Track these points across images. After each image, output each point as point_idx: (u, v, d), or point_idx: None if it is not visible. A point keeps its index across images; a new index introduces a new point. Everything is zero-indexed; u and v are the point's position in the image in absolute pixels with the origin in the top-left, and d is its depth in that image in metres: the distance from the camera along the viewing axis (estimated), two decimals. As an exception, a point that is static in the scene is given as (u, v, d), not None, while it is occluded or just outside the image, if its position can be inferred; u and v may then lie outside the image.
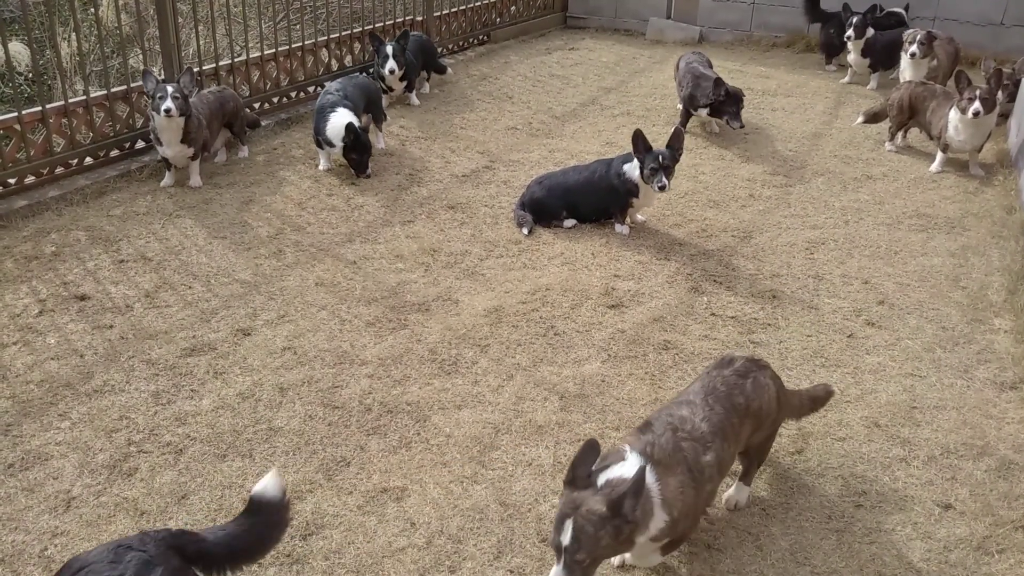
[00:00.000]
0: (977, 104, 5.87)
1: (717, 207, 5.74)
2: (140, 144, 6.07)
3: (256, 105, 6.96)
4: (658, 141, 5.23)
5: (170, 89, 5.31)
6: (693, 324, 4.34)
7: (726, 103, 6.67)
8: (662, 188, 4.99)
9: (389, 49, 7.10)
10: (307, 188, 5.83)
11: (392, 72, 7.12)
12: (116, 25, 7.15)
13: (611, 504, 2.39)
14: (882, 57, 8.27)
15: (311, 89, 7.52)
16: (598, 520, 2.39)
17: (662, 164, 4.97)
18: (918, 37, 7.21)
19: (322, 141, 5.98)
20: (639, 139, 5.04)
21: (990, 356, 4.12)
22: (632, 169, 5.13)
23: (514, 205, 5.54)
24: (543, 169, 6.10)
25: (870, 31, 8.24)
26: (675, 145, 5.05)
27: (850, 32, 8.19)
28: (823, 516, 3.14)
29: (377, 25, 8.13)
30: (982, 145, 6.23)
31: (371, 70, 7.69)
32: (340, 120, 5.79)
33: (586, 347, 4.13)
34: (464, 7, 9.48)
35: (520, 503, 3.16)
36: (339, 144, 5.82)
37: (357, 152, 5.82)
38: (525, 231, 5.28)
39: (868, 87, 8.45)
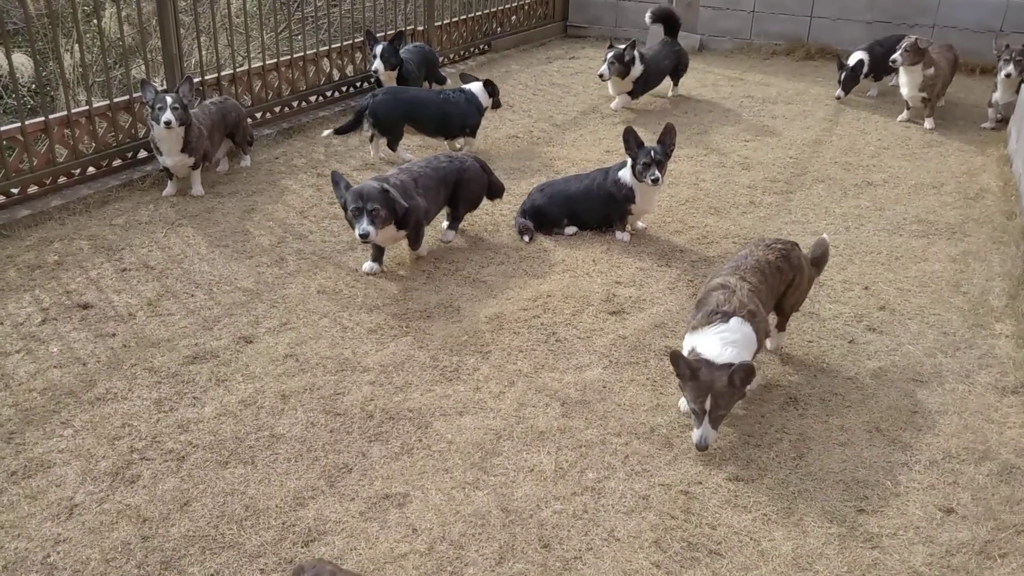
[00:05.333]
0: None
1: (718, 214, 5.75)
2: (142, 153, 6.10)
3: (258, 115, 6.99)
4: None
5: (169, 99, 5.32)
6: (694, 330, 4.34)
7: None
8: (655, 181, 4.97)
9: (378, 49, 7.16)
10: (309, 196, 5.85)
11: (376, 71, 7.18)
12: (119, 36, 7.20)
13: None
14: (880, 65, 8.30)
15: (313, 99, 7.55)
16: None
17: (654, 159, 4.97)
18: (904, 44, 7.25)
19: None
20: (630, 136, 5.03)
21: (991, 361, 4.13)
22: (627, 174, 5.14)
23: (515, 213, 5.56)
24: (544, 177, 6.11)
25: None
26: (667, 141, 5.03)
27: None
28: (825, 521, 3.14)
29: (378, 35, 8.16)
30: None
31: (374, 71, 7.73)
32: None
33: (587, 353, 4.14)
34: (465, 17, 9.52)
35: (522, 509, 3.16)
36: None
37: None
38: (526, 239, 5.29)
39: (868, 94, 8.48)
